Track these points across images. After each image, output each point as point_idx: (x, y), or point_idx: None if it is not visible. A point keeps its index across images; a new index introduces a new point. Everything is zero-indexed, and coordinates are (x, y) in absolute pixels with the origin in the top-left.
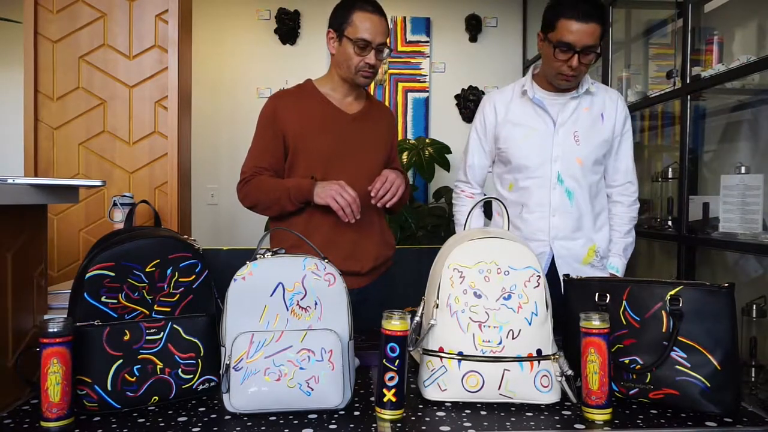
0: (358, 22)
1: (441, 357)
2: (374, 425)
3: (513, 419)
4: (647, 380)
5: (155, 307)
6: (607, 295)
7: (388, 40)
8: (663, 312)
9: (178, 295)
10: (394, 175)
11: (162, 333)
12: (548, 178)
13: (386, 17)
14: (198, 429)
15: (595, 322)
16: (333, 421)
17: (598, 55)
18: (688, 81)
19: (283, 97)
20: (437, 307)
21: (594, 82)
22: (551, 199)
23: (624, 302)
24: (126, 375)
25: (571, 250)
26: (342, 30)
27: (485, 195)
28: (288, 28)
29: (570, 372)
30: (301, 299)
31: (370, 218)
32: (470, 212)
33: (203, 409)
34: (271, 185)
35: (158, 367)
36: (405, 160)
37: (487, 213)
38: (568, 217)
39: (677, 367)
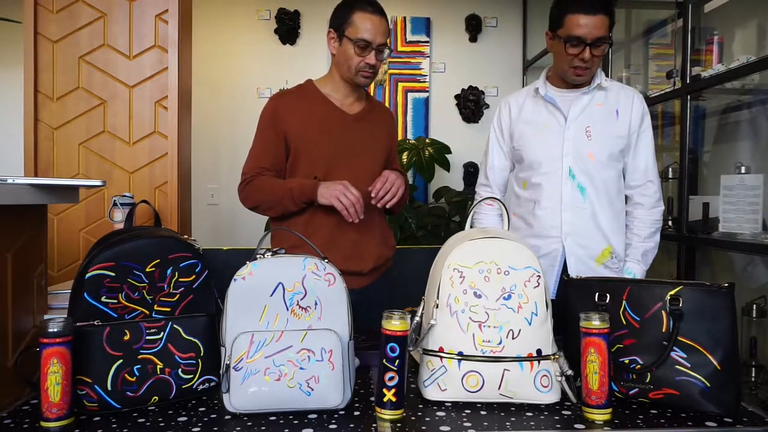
0: (358, 22)
1: (441, 357)
2: (374, 425)
3: (513, 419)
4: (647, 380)
5: (155, 307)
6: (607, 295)
7: (388, 41)
8: (663, 312)
9: (178, 295)
10: (395, 176)
11: (162, 333)
12: (559, 174)
13: (386, 17)
14: (198, 429)
15: (595, 322)
16: (333, 421)
17: (609, 45)
18: (688, 81)
19: (284, 97)
20: (437, 307)
21: (608, 78)
22: (562, 194)
23: (624, 302)
24: (126, 375)
25: (584, 247)
26: (342, 30)
27: (498, 198)
28: (288, 28)
29: (570, 372)
30: (301, 299)
31: (371, 218)
32: (471, 212)
33: (203, 409)
34: (274, 186)
35: (158, 367)
36: (405, 160)
37: None
38: (581, 213)
39: (677, 367)
